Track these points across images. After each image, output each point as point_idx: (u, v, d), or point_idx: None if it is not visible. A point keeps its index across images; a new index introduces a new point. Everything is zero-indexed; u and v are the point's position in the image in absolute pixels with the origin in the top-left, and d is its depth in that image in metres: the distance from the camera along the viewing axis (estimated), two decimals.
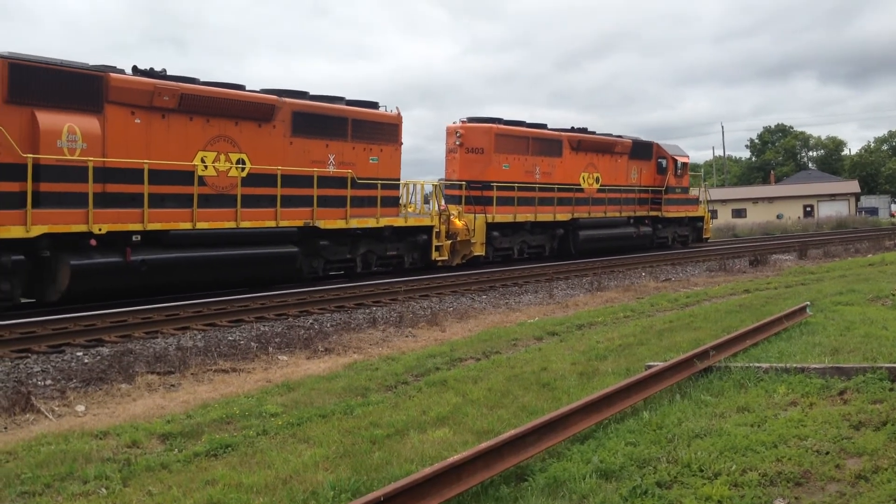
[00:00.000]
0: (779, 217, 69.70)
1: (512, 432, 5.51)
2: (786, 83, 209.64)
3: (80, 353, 11.46)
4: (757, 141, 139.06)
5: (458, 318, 15.24)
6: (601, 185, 30.26)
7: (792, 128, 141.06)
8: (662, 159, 33.69)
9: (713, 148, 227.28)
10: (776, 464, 5.19)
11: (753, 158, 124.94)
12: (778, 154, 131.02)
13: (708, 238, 38.58)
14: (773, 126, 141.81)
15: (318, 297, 17.30)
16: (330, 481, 5.50)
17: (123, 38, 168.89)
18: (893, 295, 12.61)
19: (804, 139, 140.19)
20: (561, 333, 12.37)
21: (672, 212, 34.00)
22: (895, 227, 53.81)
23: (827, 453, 5.33)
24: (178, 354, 11.19)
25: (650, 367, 7.80)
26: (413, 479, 4.65)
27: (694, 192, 36.76)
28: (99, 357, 11.15)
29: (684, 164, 34.93)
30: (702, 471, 5.15)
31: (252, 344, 12.35)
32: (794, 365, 7.65)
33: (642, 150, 32.98)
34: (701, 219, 36.84)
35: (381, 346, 12.45)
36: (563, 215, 28.18)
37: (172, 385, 9.77)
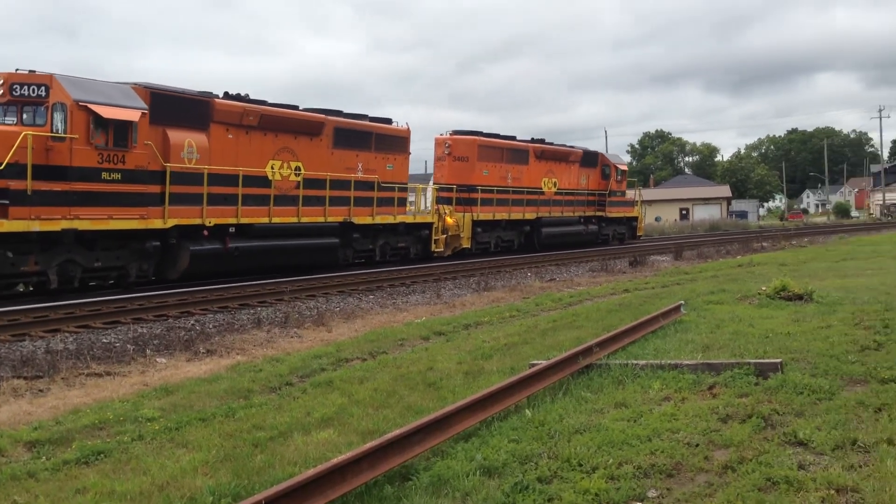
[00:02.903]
0: (657, 220, 72.44)
1: (397, 432, 5.51)
2: (673, 91, 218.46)
3: None
4: (637, 146, 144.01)
5: (344, 319, 15.12)
6: (558, 189, 35.14)
7: (670, 134, 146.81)
8: (606, 167, 38.85)
9: None
10: (650, 456, 5.39)
11: (634, 163, 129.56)
12: (657, 159, 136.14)
13: (641, 235, 43.50)
14: (653, 132, 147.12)
15: (201, 297, 16.84)
16: (209, 486, 5.35)
17: (10, 26, 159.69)
18: (760, 294, 13.31)
19: (681, 145, 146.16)
20: (448, 333, 12.46)
21: (614, 212, 39.26)
22: (762, 230, 56.82)
23: (697, 445, 5.58)
24: (48, 358, 10.64)
25: (534, 365, 7.95)
26: (296, 481, 4.58)
27: (630, 194, 42.41)
28: None
29: (623, 171, 40.59)
30: (581, 465, 5.29)
31: (129, 346, 11.89)
32: (669, 361, 7.96)
33: (590, 158, 38.18)
34: (635, 218, 42.04)
35: (265, 347, 12.21)
36: (530, 214, 32.97)
37: (41, 390, 9.27)
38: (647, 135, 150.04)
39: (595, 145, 41.22)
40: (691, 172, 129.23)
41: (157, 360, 11.10)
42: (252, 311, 15.76)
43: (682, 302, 12.28)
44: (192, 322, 14.42)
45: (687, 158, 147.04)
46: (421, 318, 14.83)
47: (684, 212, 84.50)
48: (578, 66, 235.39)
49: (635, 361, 8.10)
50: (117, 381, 9.67)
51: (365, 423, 6.96)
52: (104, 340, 12.43)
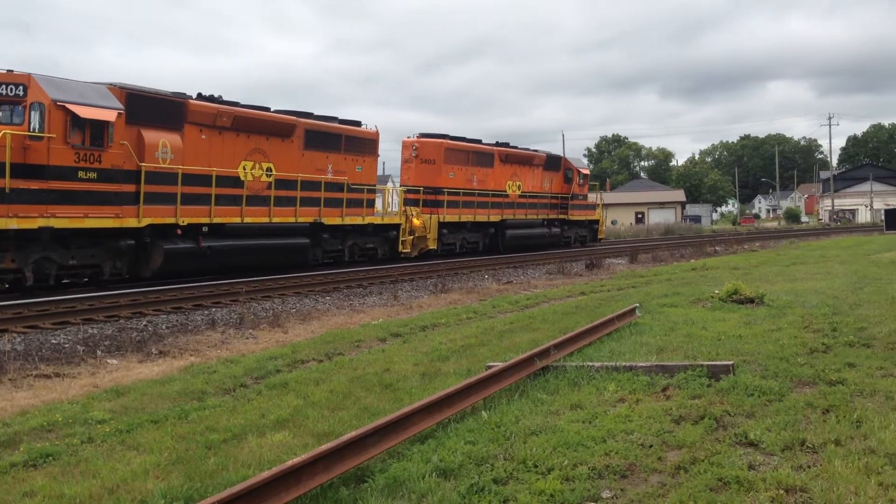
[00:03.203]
0: (613, 223, 73.24)
1: (352, 434, 5.47)
2: (631, 96, 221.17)
3: None
4: (595, 150, 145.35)
5: (301, 320, 15.01)
6: (522, 192, 35.83)
7: (627, 138, 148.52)
8: (569, 170, 39.58)
9: None
10: (605, 457, 5.43)
11: (591, 167, 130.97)
12: (613, 163, 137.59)
13: (602, 238, 44.57)
14: (609, 136, 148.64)
15: (153, 297, 16.58)
16: (161, 489, 5.27)
17: None
18: (713, 298, 13.52)
19: (637, 149, 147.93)
20: (405, 335, 12.43)
21: (576, 215, 40.13)
22: (716, 235, 57.73)
23: (650, 446, 5.64)
24: None
25: (490, 367, 7.97)
26: (249, 484, 4.52)
27: (592, 198, 43.29)
28: None
29: (586, 175, 41.39)
30: (536, 466, 5.32)
31: (79, 347, 11.66)
32: (624, 363, 8.04)
33: (553, 162, 38.89)
34: (597, 221, 42.95)
35: (219, 349, 12.07)
36: (494, 217, 33.58)
37: None
38: (603, 139, 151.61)
39: (552, 149, 41.59)
40: (647, 177, 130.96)
41: (108, 361, 10.90)
42: (206, 312, 15.56)
43: (637, 305, 12.42)
44: (144, 323, 14.19)
45: (643, 163, 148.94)
46: (378, 320, 14.78)
47: (640, 216, 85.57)
48: (539, 69, 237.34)
49: (591, 363, 8.16)
50: (66, 383, 9.48)
51: (320, 424, 6.91)
52: (53, 341, 12.17)
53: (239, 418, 7.24)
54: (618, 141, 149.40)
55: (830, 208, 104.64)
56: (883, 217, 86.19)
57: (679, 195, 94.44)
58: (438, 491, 4.98)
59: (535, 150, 38.05)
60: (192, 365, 10.34)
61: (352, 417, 7.08)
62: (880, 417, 6.08)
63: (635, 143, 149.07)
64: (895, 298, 13.12)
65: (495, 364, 8.07)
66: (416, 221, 28.88)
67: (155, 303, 15.97)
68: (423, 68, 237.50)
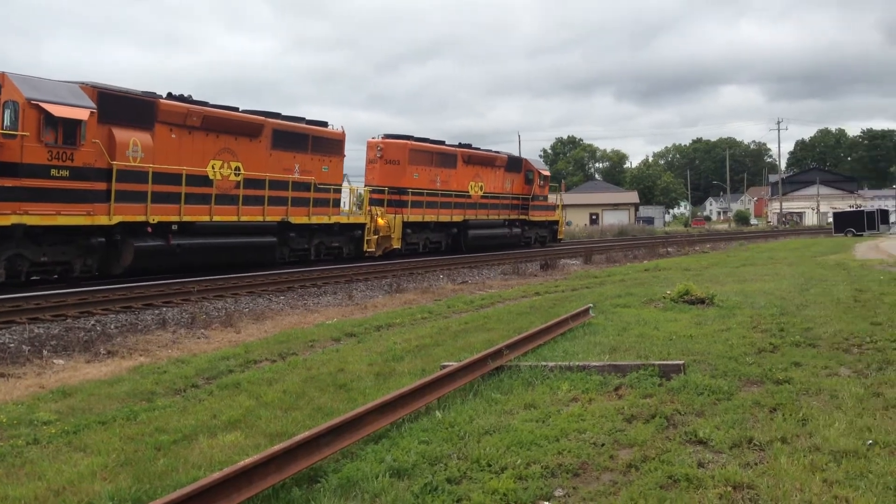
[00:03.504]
0: (568, 224, 73.85)
1: (306, 434, 5.43)
2: (587, 98, 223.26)
3: None
4: (550, 151, 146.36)
5: (254, 319, 14.87)
6: (484, 193, 36.23)
7: (582, 140, 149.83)
8: (530, 172, 40.00)
9: None
10: (557, 456, 5.47)
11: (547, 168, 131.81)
12: (569, 164, 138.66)
13: (561, 238, 45.00)
14: (565, 138, 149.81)
15: (102, 297, 16.26)
16: (108, 491, 5.17)
17: None
18: (665, 298, 13.71)
19: (592, 151, 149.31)
20: (359, 335, 12.38)
21: (537, 216, 40.62)
22: (668, 236, 58.56)
23: (602, 445, 5.70)
24: None
25: (445, 367, 7.97)
26: (200, 485, 4.46)
27: (552, 199, 43.80)
28: None
29: (546, 177, 41.86)
30: (490, 465, 5.33)
31: (24, 347, 11.40)
32: (577, 363, 8.11)
33: (514, 164, 39.29)
34: (556, 222, 43.49)
35: (170, 349, 11.89)
36: (457, 217, 33.94)
37: None
38: (559, 140, 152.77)
39: (509, 150, 41.76)
40: (601, 178, 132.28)
41: (55, 361, 10.67)
42: (157, 312, 15.32)
43: (591, 305, 12.53)
44: (92, 322, 13.92)
45: (597, 164, 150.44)
46: (332, 320, 14.70)
47: (594, 217, 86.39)
48: (496, 70, 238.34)
49: (545, 363, 8.21)
50: (11, 384, 9.25)
51: (273, 425, 6.84)
52: None
53: (189, 419, 7.14)
54: (573, 142, 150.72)
55: (779, 211, 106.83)
56: (830, 220, 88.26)
57: (633, 197, 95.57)
58: (392, 491, 4.96)
59: (497, 152, 38.51)
60: (142, 365, 10.17)
61: (305, 418, 7.02)
62: (825, 416, 6.23)
63: (590, 145, 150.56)
64: (840, 300, 13.45)
65: (450, 364, 8.07)
66: (380, 221, 29.16)
67: (103, 302, 15.67)
68: (381, 68, 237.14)
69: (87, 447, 6.37)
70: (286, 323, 14.58)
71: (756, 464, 5.23)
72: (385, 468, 5.33)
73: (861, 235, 51.69)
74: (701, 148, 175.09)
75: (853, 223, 54.93)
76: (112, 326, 13.66)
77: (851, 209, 67.48)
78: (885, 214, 58.06)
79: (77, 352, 11.31)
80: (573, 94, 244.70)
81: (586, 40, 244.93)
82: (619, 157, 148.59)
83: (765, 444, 5.62)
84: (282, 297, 18.30)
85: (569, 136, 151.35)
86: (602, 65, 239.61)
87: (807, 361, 8.32)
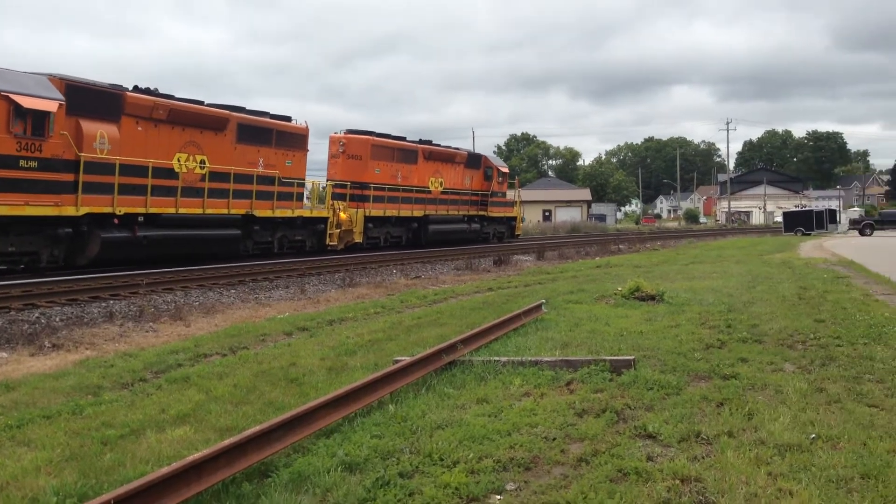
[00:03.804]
0: (521, 220, 74.14)
1: (257, 428, 5.38)
2: (542, 96, 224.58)
3: None
4: (504, 148, 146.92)
5: (204, 313, 14.67)
6: (444, 189, 36.82)
7: (535, 137, 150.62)
8: (489, 168, 40.73)
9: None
10: (509, 450, 5.50)
11: None
12: (522, 161, 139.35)
13: (519, 234, 45.70)
14: (519, 134, 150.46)
15: (46, 289, 15.91)
16: (53, 486, 5.06)
17: None
18: (616, 295, 13.86)
19: (545, 148, 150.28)
20: (311, 329, 12.30)
21: (495, 212, 41.28)
22: (620, 233, 59.26)
23: (554, 439, 5.74)
24: None
25: (398, 361, 7.96)
26: (147, 480, 4.39)
27: (511, 195, 44.70)
28: None
29: (505, 174, 42.85)
30: (442, 460, 5.34)
31: None
32: (529, 358, 8.16)
33: (474, 160, 40.08)
34: (514, 218, 44.16)
35: (117, 342, 11.68)
36: (418, 212, 34.44)
37: None
38: (513, 137, 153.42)
39: (463, 146, 42.04)
40: (554, 175, 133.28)
41: None
42: (104, 305, 15.03)
43: (544, 301, 12.61)
44: (36, 315, 13.60)
45: (551, 162, 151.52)
46: (284, 314, 14.58)
47: (547, 213, 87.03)
48: (452, 66, 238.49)
49: (497, 358, 8.24)
50: None
51: (223, 419, 6.77)
52: None
53: (137, 413, 7.02)
54: (527, 139, 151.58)
55: (727, 210, 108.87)
56: (777, 219, 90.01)
57: (585, 194, 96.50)
58: (344, 485, 4.94)
59: (457, 149, 39.00)
60: (88, 359, 9.97)
61: (256, 412, 6.95)
62: (770, 410, 6.36)
63: (544, 142, 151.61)
64: (785, 297, 13.75)
65: (403, 358, 8.07)
66: (342, 215, 29.57)
67: (48, 294, 15.33)
68: (335, 62, 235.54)
69: (32, 442, 6.23)
70: (237, 317, 14.43)
71: (703, 457, 5.32)
72: (337, 462, 5.31)
73: (809, 234, 52.83)
74: (652, 147, 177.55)
75: (803, 222, 55.94)
76: (57, 319, 13.37)
77: (800, 209, 68.93)
78: (833, 214, 59.30)
79: (21, 345, 11.04)
80: (528, 91, 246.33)
81: (542, 38, 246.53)
82: (573, 155, 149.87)
83: (712, 437, 5.72)
84: (233, 291, 18.09)
85: (522, 133, 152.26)
86: (557, 63, 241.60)
87: (753, 357, 8.48)
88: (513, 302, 14.45)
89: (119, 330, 12.63)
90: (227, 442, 5.09)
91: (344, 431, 6.10)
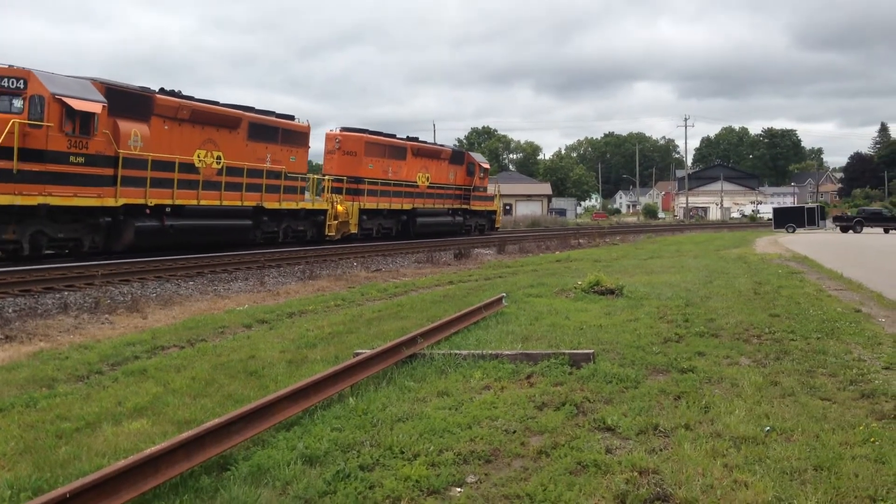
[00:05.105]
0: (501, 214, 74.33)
1: (215, 421, 5.33)
2: (507, 90, 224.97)
3: None
4: (465, 141, 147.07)
5: (161, 305, 14.48)
6: (430, 184, 39.07)
7: (496, 131, 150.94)
8: (471, 164, 43.20)
9: None
10: (470, 443, 5.53)
11: None
12: (483, 154, 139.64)
13: (499, 227, 48.32)
14: (480, 128, 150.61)
15: None
16: (7, 480, 4.97)
17: None
18: (576, 289, 13.97)
19: (506, 142, 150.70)
20: (271, 321, 12.21)
21: (477, 206, 43.74)
22: (580, 228, 59.72)
23: (514, 432, 5.78)
24: None
25: (358, 354, 7.94)
26: (103, 474, 4.33)
27: (491, 190, 47.15)
28: None
29: (486, 169, 45.49)
30: (402, 452, 5.35)
31: None
32: (490, 352, 8.19)
33: (458, 157, 42.51)
34: (494, 212, 46.79)
35: (72, 334, 11.47)
36: (407, 205, 36.78)
37: None
38: (474, 130, 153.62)
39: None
40: (515, 169, 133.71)
41: None
42: (59, 296, 14.76)
43: (504, 294, 12.67)
44: None
45: (511, 156, 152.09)
46: (243, 306, 14.45)
47: (507, 207, 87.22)
48: (419, 59, 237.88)
49: (458, 351, 8.26)
50: None
51: (182, 412, 6.69)
52: None
53: (93, 406, 6.91)
54: (488, 133, 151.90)
55: (685, 205, 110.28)
56: (734, 215, 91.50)
57: (546, 188, 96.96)
58: (304, 478, 4.92)
59: (442, 145, 41.66)
60: (42, 351, 9.79)
61: (215, 405, 6.88)
62: (726, 403, 6.47)
63: (504, 136, 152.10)
64: (741, 292, 13.98)
65: (363, 351, 8.05)
66: (339, 208, 31.67)
67: (1, 284, 14.99)
68: (301, 53, 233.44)
69: None
70: (195, 309, 14.26)
71: (661, 450, 5.39)
72: (297, 455, 5.28)
73: (796, 230, 53.24)
74: (612, 142, 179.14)
75: (793, 219, 55.92)
76: (10, 310, 13.09)
77: (791, 205, 69.73)
78: (822, 211, 60.06)
79: None
80: (494, 85, 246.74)
81: (508, 32, 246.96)
82: (533, 149, 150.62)
83: (669, 430, 5.80)
84: (191, 283, 17.88)
85: (483, 127, 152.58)
86: (522, 57, 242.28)
87: (710, 351, 8.61)
88: (473, 295, 14.49)
89: (74, 322, 12.42)
90: (185, 435, 5.04)
91: (304, 424, 6.07)
